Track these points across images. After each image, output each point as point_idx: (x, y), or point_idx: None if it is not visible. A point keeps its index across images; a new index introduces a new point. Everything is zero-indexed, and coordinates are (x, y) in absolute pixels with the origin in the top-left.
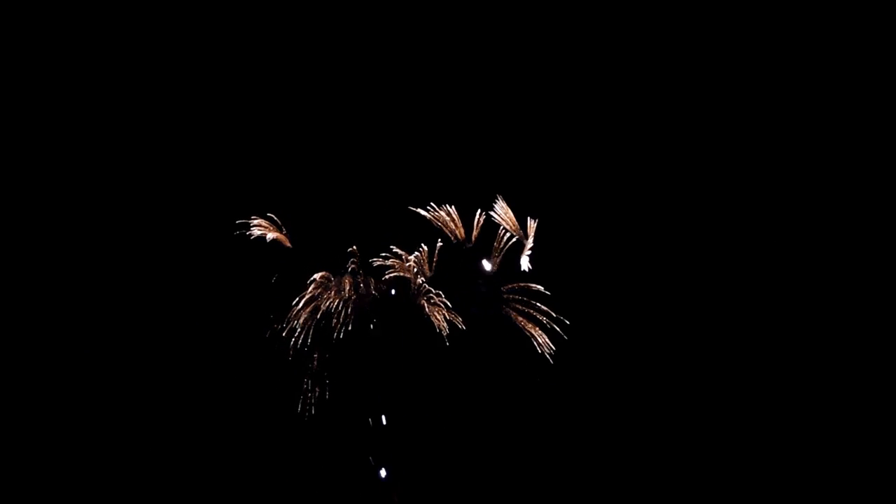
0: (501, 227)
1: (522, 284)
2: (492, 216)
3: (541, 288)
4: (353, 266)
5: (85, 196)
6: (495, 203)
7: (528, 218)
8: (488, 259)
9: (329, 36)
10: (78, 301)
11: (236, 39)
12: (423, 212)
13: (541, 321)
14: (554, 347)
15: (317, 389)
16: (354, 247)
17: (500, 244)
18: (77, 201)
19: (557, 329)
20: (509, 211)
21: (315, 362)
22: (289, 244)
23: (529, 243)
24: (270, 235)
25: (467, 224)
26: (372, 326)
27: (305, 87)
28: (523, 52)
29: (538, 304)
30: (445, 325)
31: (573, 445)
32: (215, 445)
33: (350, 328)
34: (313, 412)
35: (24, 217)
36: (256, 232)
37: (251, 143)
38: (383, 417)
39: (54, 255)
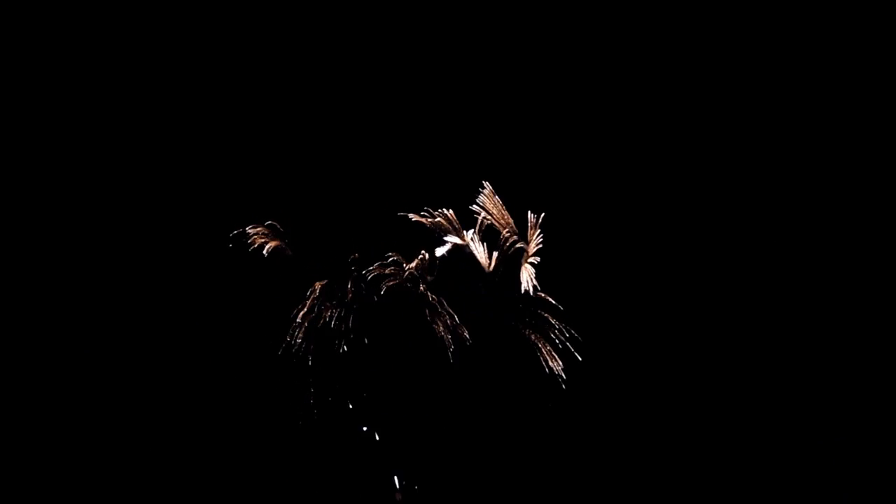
0: (504, 230)
1: (523, 292)
2: (476, 209)
3: (551, 300)
4: (354, 274)
5: (84, 205)
6: (480, 192)
7: (529, 212)
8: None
9: (327, 47)
10: (79, 309)
11: (235, 50)
12: (421, 219)
13: (550, 337)
14: (562, 363)
15: (318, 398)
16: (356, 254)
17: (502, 246)
18: (76, 210)
19: (570, 347)
20: (497, 202)
21: (315, 371)
22: (290, 252)
23: (533, 248)
24: (271, 244)
25: (468, 227)
26: (374, 334)
27: (304, 92)
28: (522, 53)
29: (548, 316)
30: (449, 336)
31: (579, 454)
32: (217, 453)
33: (352, 337)
34: (315, 418)
35: (25, 224)
36: (258, 240)
37: (251, 152)
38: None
39: (54, 262)
